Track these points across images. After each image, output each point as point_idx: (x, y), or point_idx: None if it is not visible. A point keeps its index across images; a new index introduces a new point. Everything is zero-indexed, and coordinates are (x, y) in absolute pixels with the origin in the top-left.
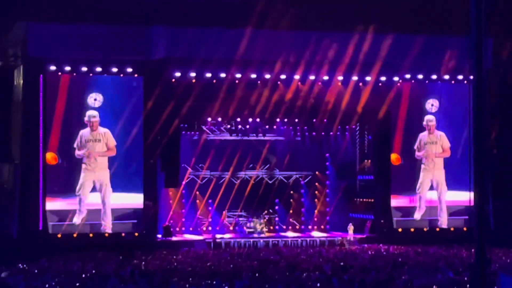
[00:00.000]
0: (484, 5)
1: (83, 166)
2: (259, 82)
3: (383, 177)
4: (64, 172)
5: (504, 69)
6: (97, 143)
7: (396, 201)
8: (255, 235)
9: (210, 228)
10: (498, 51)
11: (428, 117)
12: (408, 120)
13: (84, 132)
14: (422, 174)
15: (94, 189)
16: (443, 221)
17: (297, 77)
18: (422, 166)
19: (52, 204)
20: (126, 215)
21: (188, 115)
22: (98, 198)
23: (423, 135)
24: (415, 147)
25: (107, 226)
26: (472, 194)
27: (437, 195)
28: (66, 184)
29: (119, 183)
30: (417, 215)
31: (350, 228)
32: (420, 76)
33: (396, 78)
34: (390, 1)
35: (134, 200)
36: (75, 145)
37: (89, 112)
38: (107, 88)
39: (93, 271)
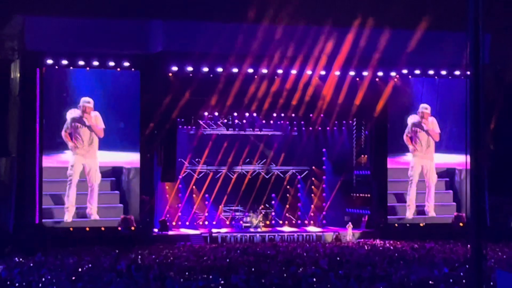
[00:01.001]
0: (481, 0)
1: (73, 150)
2: (256, 76)
3: (379, 172)
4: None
5: (501, 65)
6: (86, 128)
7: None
8: (252, 230)
9: (206, 222)
10: (495, 46)
11: (423, 105)
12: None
13: (74, 115)
14: (413, 160)
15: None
16: (430, 209)
17: (294, 71)
18: (413, 152)
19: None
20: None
21: (185, 109)
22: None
23: (415, 122)
24: (405, 133)
25: (93, 211)
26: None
27: (425, 183)
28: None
29: None
30: (409, 214)
31: (349, 227)
32: (417, 71)
33: (393, 73)
34: None
35: None
36: (64, 129)
37: (84, 98)
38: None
39: (89, 265)
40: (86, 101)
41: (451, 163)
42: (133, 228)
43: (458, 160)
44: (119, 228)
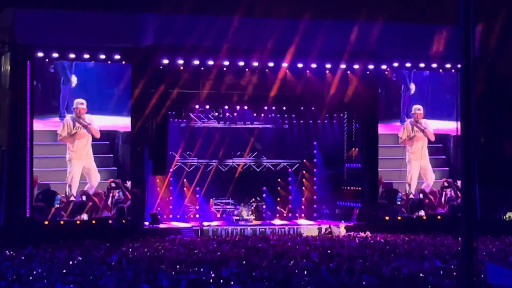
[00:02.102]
0: None
1: (69, 155)
2: (247, 69)
3: (370, 166)
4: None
5: (492, 58)
6: (82, 131)
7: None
8: (242, 223)
9: (197, 215)
10: (486, 39)
11: (416, 106)
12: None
13: (69, 119)
14: (411, 164)
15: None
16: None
17: (285, 65)
18: (410, 155)
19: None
20: None
21: (176, 102)
22: None
23: (410, 124)
24: (400, 135)
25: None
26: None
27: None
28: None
29: None
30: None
31: (342, 226)
32: (408, 65)
33: (384, 66)
34: None
35: None
36: (59, 131)
37: (77, 100)
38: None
39: (80, 259)
40: (80, 102)
41: (444, 129)
42: (124, 221)
43: (451, 126)
44: (110, 222)
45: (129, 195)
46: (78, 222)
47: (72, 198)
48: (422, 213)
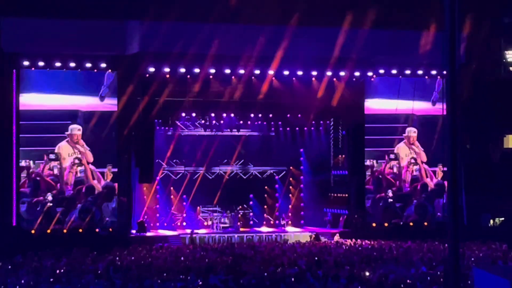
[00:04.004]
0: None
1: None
2: (233, 77)
3: (357, 172)
4: None
5: (477, 64)
6: (75, 157)
7: None
8: (230, 230)
9: (184, 223)
10: (472, 45)
11: (410, 128)
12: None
13: (63, 145)
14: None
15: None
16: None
17: (271, 72)
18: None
19: None
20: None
21: (162, 110)
22: None
23: (402, 146)
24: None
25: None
26: None
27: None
28: None
29: None
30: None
31: (336, 236)
32: (394, 71)
33: (370, 73)
34: None
35: None
36: (52, 156)
37: (73, 125)
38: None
39: (67, 267)
40: (77, 128)
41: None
42: (110, 230)
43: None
44: (97, 230)
45: (90, 175)
46: (64, 231)
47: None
48: (390, 193)
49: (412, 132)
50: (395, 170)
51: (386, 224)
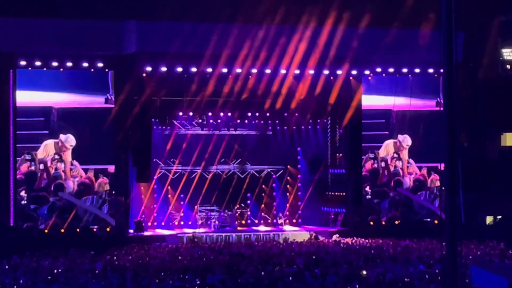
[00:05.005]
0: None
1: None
2: (230, 76)
3: (354, 171)
4: None
5: (475, 62)
6: (61, 163)
7: None
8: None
9: (182, 223)
10: (469, 44)
11: (401, 136)
12: None
13: (50, 146)
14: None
15: None
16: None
17: (268, 71)
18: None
19: None
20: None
21: (159, 109)
22: None
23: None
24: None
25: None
26: None
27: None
28: None
29: None
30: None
31: (335, 236)
32: (391, 70)
33: (367, 72)
34: None
35: None
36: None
37: (65, 137)
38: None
39: (65, 267)
40: (70, 141)
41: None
42: (108, 229)
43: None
44: (94, 230)
45: (69, 174)
46: (62, 230)
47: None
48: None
49: (405, 141)
50: (375, 165)
51: (383, 223)
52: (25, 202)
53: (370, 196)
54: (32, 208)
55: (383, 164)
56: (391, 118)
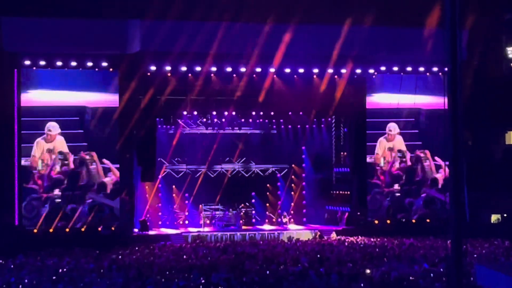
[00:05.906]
0: None
1: None
2: (234, 75)
3: (359, 170)
4: None
5: (479, 61)
6: (52, 154)
7: None
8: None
9: (187, 222)
10: (473, 43)
11: (390, 124)
12: None
13: (41, 142)
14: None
15: None
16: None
17: (272, 70)
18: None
19: None
20: None
21: (164, 108)
22: None
23: (383, 141)
24: (376, 151)
25: None
26: None
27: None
28: None
29: None
30: None
31: (333, 235)
32: (395, 68)
33: (371, 70)
34: None
35: None
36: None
37: (48, 124)
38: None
39: (70, 266)
40: (50, 127)
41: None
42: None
43: (423, 101)
44: (99, 229)
45: (102, 173)
46: (67, 230)
47: None
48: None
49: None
50: (403, 164)
51: (388, 221)
52: (59, 200)
53: (399, 194)
54: (69, 208)
55: (410, 162)
56: (420, 116)
